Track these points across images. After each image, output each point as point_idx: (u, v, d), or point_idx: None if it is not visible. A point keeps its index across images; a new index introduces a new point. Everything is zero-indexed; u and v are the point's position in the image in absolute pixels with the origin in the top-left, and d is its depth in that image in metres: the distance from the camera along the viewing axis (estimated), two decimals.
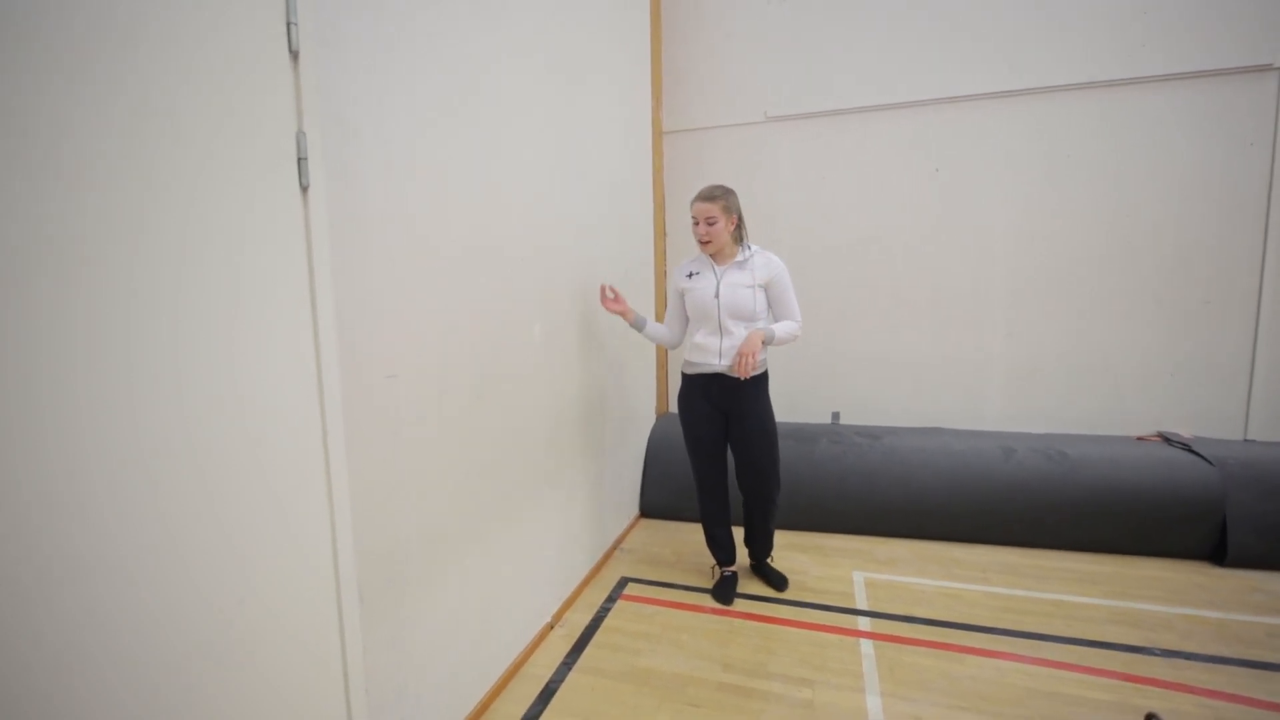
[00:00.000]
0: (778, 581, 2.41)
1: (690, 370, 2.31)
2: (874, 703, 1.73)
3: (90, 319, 0.73)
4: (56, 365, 0.70)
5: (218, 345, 0.88)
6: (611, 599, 2.37)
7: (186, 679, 0.85)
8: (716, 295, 2.19)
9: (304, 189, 1.01)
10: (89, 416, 0.73)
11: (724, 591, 2.35)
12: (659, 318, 3.66)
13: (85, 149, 0.72)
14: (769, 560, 2.50)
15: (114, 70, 0.75)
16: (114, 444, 0.75)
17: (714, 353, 2.20)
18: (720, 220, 2.15)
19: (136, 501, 0.78)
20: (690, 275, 2.27)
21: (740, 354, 2.10)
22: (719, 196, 2.15)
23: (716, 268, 2.23)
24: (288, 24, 0.99)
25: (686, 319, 2.34)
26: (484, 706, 1.72)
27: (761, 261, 2.21)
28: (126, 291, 0.76)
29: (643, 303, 3.31)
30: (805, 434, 3.12)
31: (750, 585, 2.45)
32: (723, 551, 2.43)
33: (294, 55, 1.00)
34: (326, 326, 1.07)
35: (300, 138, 1.01)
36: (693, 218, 2.20)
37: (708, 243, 2.18)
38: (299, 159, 1.00)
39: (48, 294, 0.69)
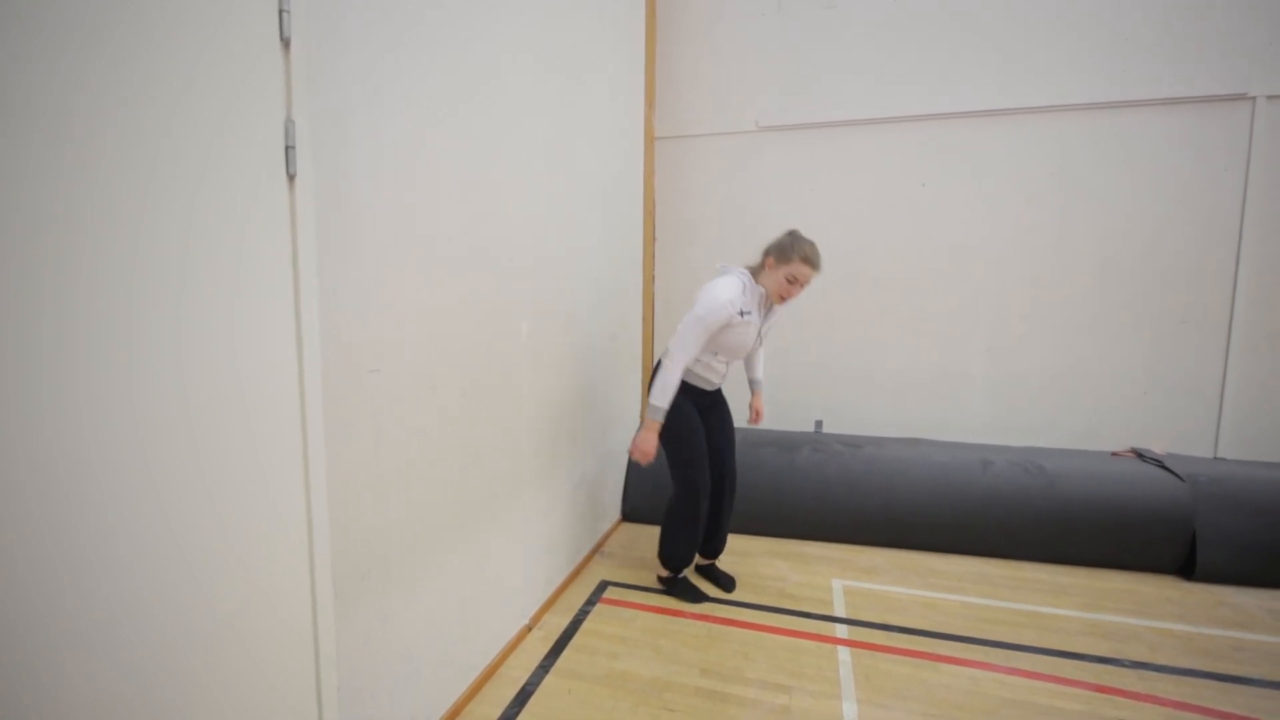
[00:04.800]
0: (727, 583, 2.45)
1: (690, 384, 2.32)
2: (850, 709, 1.73)
3: (64, 306, 0.71)
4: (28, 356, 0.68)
5: (193, 333, 0.86)
6: (591, 602, 2.35)
7: (158, 678, 0.83)
8: (760, 338, 2.31)
9: (290, 177, 1.00)
10: (64, 409, 0.71)
11: (697, 592, 2.39)
12: (646, 320, 3.66)
13: (88, 132, 0.71)
14: (717, 561, 2.58)
15: (121, 50, 0.74)
16: (99, 437, 0.74)
17: (720, 375, 2.36)
18: None
19: (97, 496, 0.76)
20: (743, 314, 2.16)
21: (760, 415, 2.55)
22: None
23: (763, 312, 2.27)
24: (279, 11, 0.98)
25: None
26: (458, 709, 1.69)
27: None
28: (104, 280, 0.75)
29: (631, 307, 3.31)
30: (788, 442, 3.14)
31: (717, 590, 2.45)
32: (694, 553, 2.41)
33: (285, 43, 0.99)
34: (309, 317, 1.06)
35: (289, 125, 1.00)
36: (794, 278, 2.12)
37: (786, 299, 2.19)
38: (286, 147, 0.99)
39: (49, 283, 0.67)
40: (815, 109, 3.51)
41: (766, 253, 2.20)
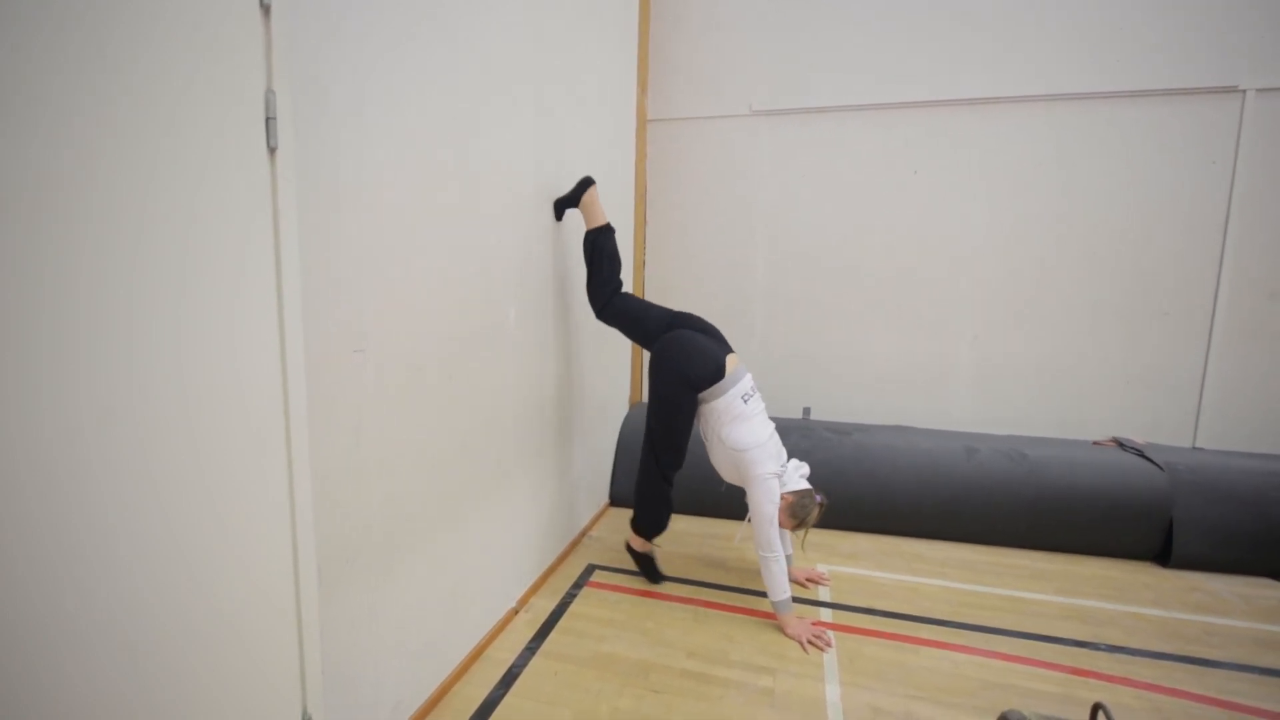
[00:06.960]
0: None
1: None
2: (833, 692, 1.76)
3: (34, 292, 0.69)
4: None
5: (170, 311, 0.84)
6: (578, 585, 2.36)
7: (158, 677, 0.81)
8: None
9: (271, 150, 0.97)
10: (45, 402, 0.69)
11: (659, 574, 2.42)
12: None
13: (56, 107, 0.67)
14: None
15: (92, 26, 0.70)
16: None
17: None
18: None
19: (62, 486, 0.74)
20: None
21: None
22: None
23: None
24: None
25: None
26: (444, 690, 1.70)
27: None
28: (105, 278, 0.72)
29: None
30: (776, 428, 3.14)
31: (712, 573, 2.47)
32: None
33: (265, 10, 0.95)
34: (291, 296, 1.03)
35: (269, 96, 0.96)
36: (784, 526, 2.15)
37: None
38: (267, 118, 0.96)
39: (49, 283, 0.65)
40: (809, 94, 3.47)
41: (793, 492, 2.17)
